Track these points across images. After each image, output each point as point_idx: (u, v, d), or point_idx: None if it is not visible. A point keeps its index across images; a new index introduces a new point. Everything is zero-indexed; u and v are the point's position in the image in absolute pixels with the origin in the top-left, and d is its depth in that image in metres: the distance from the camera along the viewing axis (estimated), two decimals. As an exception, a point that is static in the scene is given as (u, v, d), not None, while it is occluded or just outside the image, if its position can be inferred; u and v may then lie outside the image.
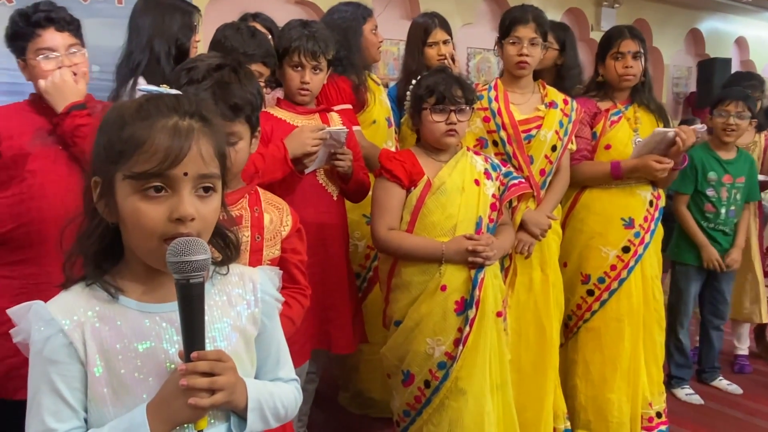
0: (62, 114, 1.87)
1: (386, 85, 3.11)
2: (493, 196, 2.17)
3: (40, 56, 1.89)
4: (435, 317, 2.08)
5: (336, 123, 2.31)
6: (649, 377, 2.73)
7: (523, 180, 2.29)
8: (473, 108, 2.18)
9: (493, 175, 2.20)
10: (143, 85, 2.10)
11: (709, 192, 3.18)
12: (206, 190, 0.96)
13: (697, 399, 3.25)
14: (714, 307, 3.35)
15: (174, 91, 1.00)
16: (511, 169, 2.33)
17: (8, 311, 0.98)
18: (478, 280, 2.07)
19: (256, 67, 2.08)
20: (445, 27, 2.93)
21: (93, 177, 0.98)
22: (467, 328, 2.05)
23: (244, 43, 2.09)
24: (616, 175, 2.62)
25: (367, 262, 2.75)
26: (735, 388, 3.39)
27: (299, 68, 2.17)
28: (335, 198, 2.29)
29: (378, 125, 2.73)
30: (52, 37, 1.89)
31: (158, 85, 1.00)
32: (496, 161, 2.29)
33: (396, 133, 2.83)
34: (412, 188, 2.12)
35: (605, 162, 2.64)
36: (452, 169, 2.14)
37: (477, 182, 2.15)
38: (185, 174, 0.93)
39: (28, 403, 0.96)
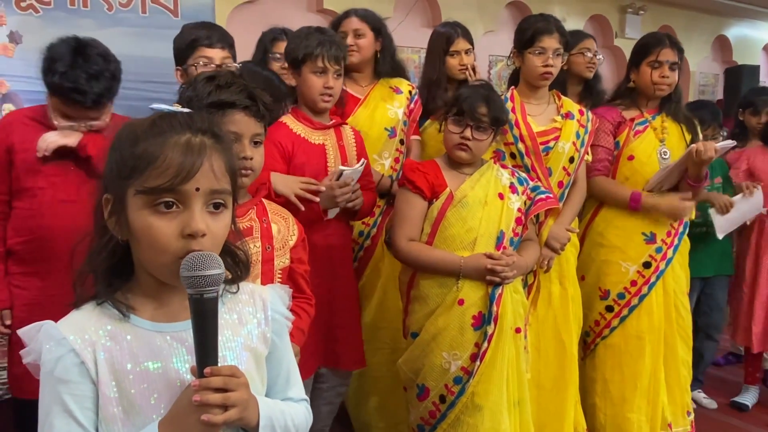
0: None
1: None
2: (519, 210, 2.15)
3: (60, 115, 1.97)
4: (452, 331, 2.06)
5: (349, 137, 2.31)
6: (670, 397, 2.66)
7: (550, 195, 2.25)
8: (495, 129, 2.13)
9: (520, 189, 2.18)
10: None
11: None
12: (217, 206, 0.97)
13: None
14: (708, 316, 3.29)
15: (186, 110, 1.00)
16: (539, 183, 2.29)
17: (18, 332, 0.97)
18: (496, 296, 2.04)
19: (211, 52, 2.14)
20: (467, 37, 2.89)
21: (104, 194, 0.98)
22: (485, 344, 2.03)
23: (185, 36, 2.17)
24: (634, 208, 2.55)
25: (360, 239, 2.66)
26: (710, 403, 3.34)
27: (322, 73, 2.15)
28: (340, 220, 2.27)
29: (364, 135, 2.55)
30: (76, 112, 1.95)
31: (170, 104, 1.00)
32: (524, 175, 2.26)
33: (402, 144, 2.74)
34: (434, 200, 2.11)
35: (626, 188, 2.58)
36: (475, 182, 2.13)
37: (501, 196, 2.13)
38: (197, 189, 0.93)
39: (40, 424, 0.95)
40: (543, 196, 2.21)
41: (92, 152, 1.90)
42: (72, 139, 1.91)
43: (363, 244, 2.64)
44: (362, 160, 2.22)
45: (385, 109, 2.70)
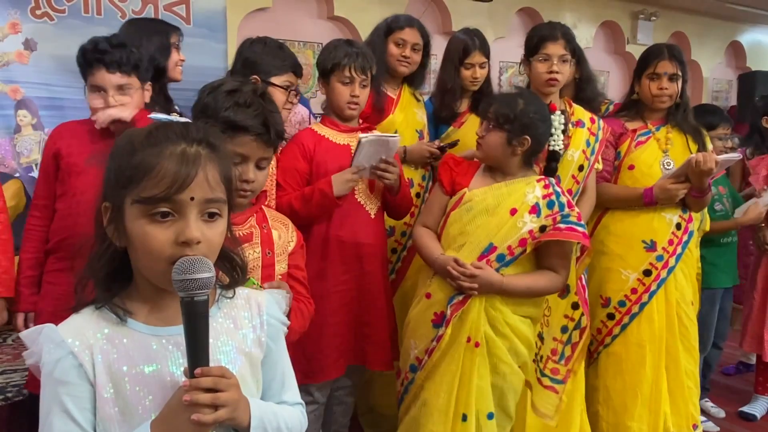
0: None
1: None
2: (530, 232, 2.06)
3: (92, 92, 2.02)
4: (418, 321, 2.17)
5: None
6: (674, 407, 2.63)
7: (578, 229, 2.07)
8: (507, 129, 2.09)
9: (544, 212, 2.08)
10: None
11: (717, 207, 3.15)
12: (212, 215, 0.99)
13: (711, 426, 3.17)
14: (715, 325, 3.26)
15: (183, 119, 1.02)
16: (575, 214, 2.10)
17: (20, 335, 1.01)
18: (454, 300, 2.07)
19: (287, 77, 2.21)
20: (484, 49, 2.85)
21: (103, 202, 1.01)
22: (433, 343, 2.10)
23: (275, 56, 2.21)
24: (649, 203, 2.54)
25: (403, 239, 2.73)
26: (718, 411, 3.31)
27: (349, 83, 2.22)
28: (373, 216, 2.32)
29: (400, 136, 2.67)
30: (101, 77, 1.99)
31: (168, 113, 1.03)
32: (564, 201, 2.11)
33: None
34: (452, 197, 2.17)
35: (635, 188, 2.58)
36: (493, 189, 2.12)
37: (513, 211, 2.08)
38: (192, 198, 0.96)
39: (40, 424, 0.98)
40: (563, 226, 2.06)
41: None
42: (126, 114, 1.97)
43: (406, 245, 2.69)
44: (396, 135, 2.26)
45: (414, 112, 2.81)
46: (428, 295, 2.13)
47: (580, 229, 2.09)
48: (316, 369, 2.18)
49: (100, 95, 2.00)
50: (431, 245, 2.15)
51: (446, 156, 2.28)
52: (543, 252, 2.11)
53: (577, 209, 2.14)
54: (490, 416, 2.10)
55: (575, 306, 2.28)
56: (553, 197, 2.11)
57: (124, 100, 2.00)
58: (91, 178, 1.97)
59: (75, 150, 2.03)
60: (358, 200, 2.28)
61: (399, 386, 2.24)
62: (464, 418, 2.08)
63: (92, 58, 1.98)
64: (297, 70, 2.27)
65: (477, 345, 2.07)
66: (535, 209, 2.08)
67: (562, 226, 2.07)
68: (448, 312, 2.06)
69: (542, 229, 2.07)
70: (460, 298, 2.06)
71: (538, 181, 2.15)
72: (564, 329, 2.28)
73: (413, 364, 2.16)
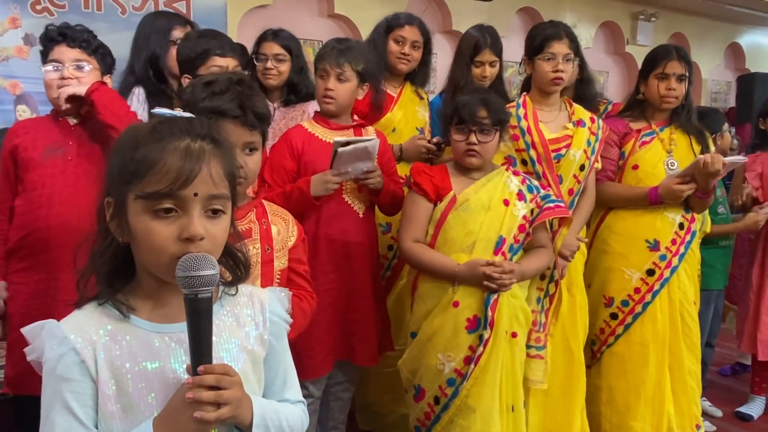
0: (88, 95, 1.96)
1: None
2: (524, 217, 2.16)
3: (48, 66, 2.00)
4: (446, 333, 2.09)
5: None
6: (677, 407, 2.63)
7: (561, 204, 2.24)
8: (499, 129, 2.15)
9: (528, 196, 2.19)
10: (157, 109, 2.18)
11: (720, 210, 3.18)
12: (215, 211, 0.99)
13: (708, 426, 3.17)
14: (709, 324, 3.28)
15: (187, 115, 1.02)
16: (551, 192, 2.29)
17: (22, 330, 1.00)
18: (491, 301, 2.05)
19: (223, 61, 2.15)
20: (495, 47, 2.82)
21: (106, 198, 1.00)
22: (480, 348, 2.05)
23: (195, 46, 2.17)
24: (654, 201, 2.55)
25: (390, 252, 2.73)
26: (715, 411, 3.33)
27: (324, 76, 2.22)
28: (361, 215, 2.32)
29: (398, 134, 2.72)
30: (60, 51, 1.99)
31: (172, 109, 1.02)
32: (535, 183, 2.26)
33: None
34: (438, 202, 2.15)
35: (640, 187, 2.59)
36: (481, 186, 2.15)
37: (506, 202, 2.14)
38: (195, 194, 0.95)
39: (42, 421, 0.98)
40: (552, 204, 2.20)
41: (96, 98, 1.94)
42: (81, 88, 1.96)
43: None
44: (373, 138, 2.20)
45: (415, 110, 2.82)
46: (456, 304, 2.07)
47: (561, 204, 2.24)
48: (305, 366, 2.17)
49: (56, 70, 1.98)
50: (439, 257, 2.11)
51: (418, 166, 2.25)
52: (532, 232, 2.21)
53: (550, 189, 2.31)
54: (524, 404, 2.23)
55: (542, 277, 2.33)
56: (527, 182, 2.23)
57: (80, 75, 1.99)
58: (48, 171, 1.98)
59: (30, 144, 2.00)
60: (346, 200, 2.28)
61: (427, 407, 2.12)
62: (512, 409, 2.14)
63: (54, 35, 1.99)
64: (222, 52, 2.18)
65: (514, 335, 2.12)
66: (521, 196, 2.17)
67: (551, 204, 2.19)
68: (490, 313, 2.04)
69: (531, 212, 2.18)
70: (495, 296, 2.05)
71: (507, 169, 2.23)
72: (538, 300, 2.32)
73: (451, 378, 2.07)
